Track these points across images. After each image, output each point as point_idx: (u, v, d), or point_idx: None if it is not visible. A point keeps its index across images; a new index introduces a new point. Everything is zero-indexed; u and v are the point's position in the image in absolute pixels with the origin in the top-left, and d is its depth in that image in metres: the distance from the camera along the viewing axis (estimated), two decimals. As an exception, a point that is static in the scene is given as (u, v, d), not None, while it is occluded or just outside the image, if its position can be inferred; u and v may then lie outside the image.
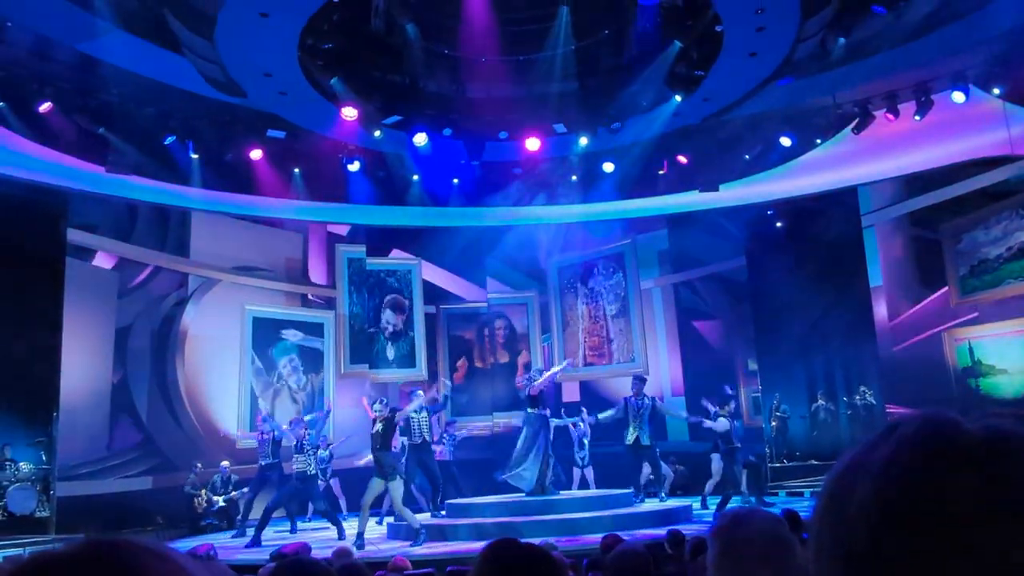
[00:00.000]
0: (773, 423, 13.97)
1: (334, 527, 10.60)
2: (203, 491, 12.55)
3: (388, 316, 15.65)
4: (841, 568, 0.65)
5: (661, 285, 16.52)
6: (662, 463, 12.63)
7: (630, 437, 11.79)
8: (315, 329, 15.17)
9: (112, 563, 0.64)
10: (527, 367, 11.58)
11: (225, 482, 12.67)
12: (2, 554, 8.98)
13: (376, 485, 9.82)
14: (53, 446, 11.28)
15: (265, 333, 14.58)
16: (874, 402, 13.49)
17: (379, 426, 9.89)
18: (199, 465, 12.83)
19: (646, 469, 12.05)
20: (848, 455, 0.69)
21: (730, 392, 11.69)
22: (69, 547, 0.66)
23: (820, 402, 14.21)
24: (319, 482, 12.76)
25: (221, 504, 12.54)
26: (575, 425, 13.01)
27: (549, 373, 11.52)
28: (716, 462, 11.34)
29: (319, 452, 13.14)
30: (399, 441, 10.97)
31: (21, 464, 10.95)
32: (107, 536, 0.68)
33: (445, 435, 13.07)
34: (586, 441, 13.06)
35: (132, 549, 0.66)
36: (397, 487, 9.82)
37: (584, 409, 13.39)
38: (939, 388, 12.91)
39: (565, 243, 16.36)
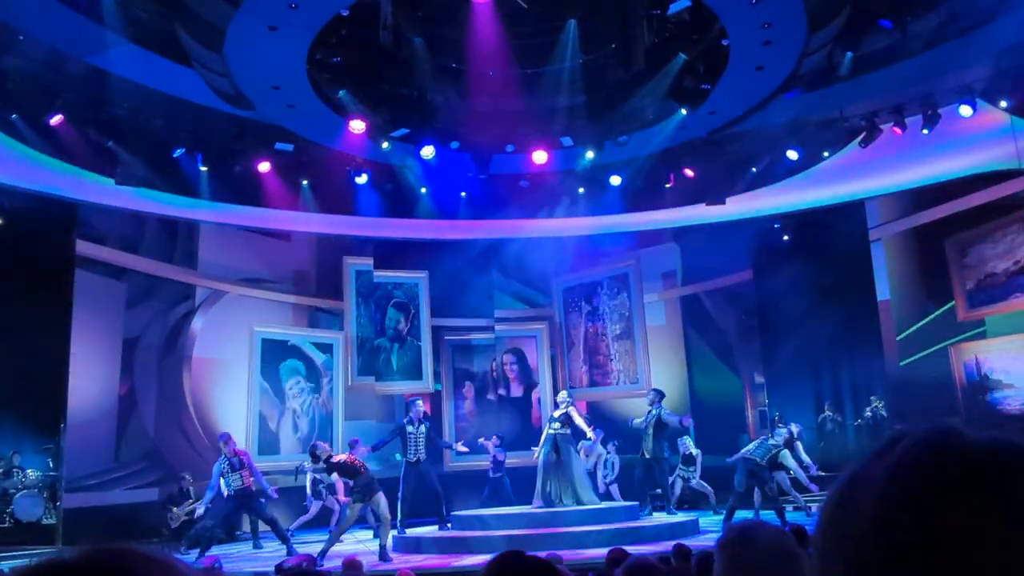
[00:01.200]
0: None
1: (283, 543, 10.40)
2: (176, 507, 12.17)
3: (392, 314, 15.67)
4: (845, 580, 0.65)
5: (667, 299, 16.49)
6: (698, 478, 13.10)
7: (645, 450, 11.96)
8: (324, 349, 15.13)
9: (117, 570, 0.65)
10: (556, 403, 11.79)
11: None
12: (8, 565, 8.99)
13: (353, 511, 9.87)
14: (60, 454, 11.31)
15: (274, 354, 14.59)
16: (885, 414, 13.44)
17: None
18: (187, 477, 12.59)
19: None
20: (851, 467, 0.70)
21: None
22: (75, 554, 0.66)
23: (827, 413, 14.14)
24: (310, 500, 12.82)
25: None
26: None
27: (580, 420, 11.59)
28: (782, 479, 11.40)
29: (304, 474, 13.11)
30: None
31: (28, 471, 11.00)
32: (109, 544, 0.68)
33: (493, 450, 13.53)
34: (612, 461, 13.52)
35: (137, 557, 0.67)
36: (381, 500, 9.82)
37: (614, 444, 13.71)
38: (946, 403, 12.85)
39: (570, 259, 16.33)
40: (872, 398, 13.74)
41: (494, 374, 16.33)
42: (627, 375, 15.41)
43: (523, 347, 16.54)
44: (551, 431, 11.09)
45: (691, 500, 13.38)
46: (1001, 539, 0.59)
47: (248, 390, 13.99)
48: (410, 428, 11.32)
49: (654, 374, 15.01)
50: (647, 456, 12.01)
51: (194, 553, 10.12)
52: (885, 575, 0.62)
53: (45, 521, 10.95)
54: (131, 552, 0.67)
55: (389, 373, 15.53)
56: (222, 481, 10.38)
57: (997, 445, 0.64)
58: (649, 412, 12.12)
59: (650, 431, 11.95)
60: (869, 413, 13.71)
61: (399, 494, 11.16)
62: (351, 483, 9.99)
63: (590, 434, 12.28)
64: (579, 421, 11.46)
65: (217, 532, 10.78)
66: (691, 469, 13.14)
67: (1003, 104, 11.79)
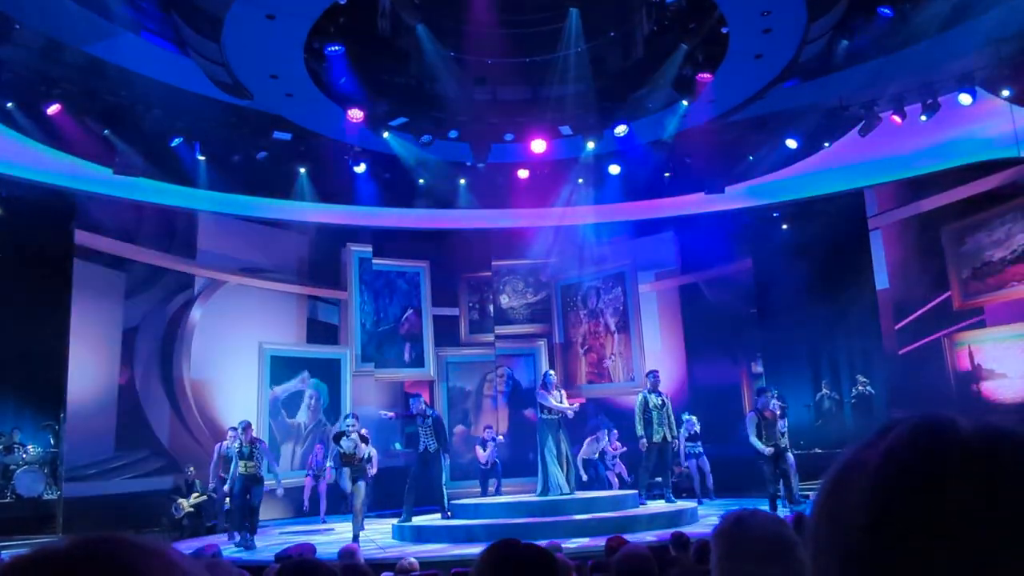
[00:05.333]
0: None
1: (250, 534, 10.50)
2: (183, 499, 12.25)
3: (400, 300, 15.71)
4: (838, 568, 0.65)
5: (666, 288, 16.49)
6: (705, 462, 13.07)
7: (657, 435, 11.79)
8: (331, 366, 15.06)
9: (106, 559, 0.64)
10: (546, 378, 11.62)
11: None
12: (7, 553, 9.01)
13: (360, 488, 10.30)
14: (61, 431, 11.42)
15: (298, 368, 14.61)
16: (872, 391, 13.44)
17: (354, 441, 10.28)
18: (191, 469, 12.65)
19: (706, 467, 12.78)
20: (845, 454, 0.70)
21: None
22: (64, 543, 0.66)
23: (824, 391, 14.13)
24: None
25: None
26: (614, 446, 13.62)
27: (559, 406, 11.42)
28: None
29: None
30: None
31: (29, 447, 11.11)
32: (102, 533, 0.68)
33: (490, 441, 13.58)
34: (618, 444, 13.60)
35: (126, 546, 0.66)
36: (360, 489, 10.31)
37: (616, 431, 13.71)
38: (941, 392, 12.87)
39: (572, 252, 16.32)
40: (858, 376, 13.74)
41: (494, 398, 16.21)
42: (624, 372, 15.47)
43: (517, 367, 16.50)
44: (553, 416, 11.04)
45: (689, 487, 13.36)
46: (993, 523, 0.59)
47: (257, 407, 13.81)
48: (418, 421, 11.42)
49: (653, 364, 15.01)
50: (669, 439, 11.90)
51: (236, 537, 10.50)
52: (879, 560, 0.62)
53: (46, 497, 11.07)
54: (122, 541, 0.67)
55: (393, 361, 15.57)
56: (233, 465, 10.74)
57: (989, 431, 0.64)
58: (660, 393, 12.04)
59: (664, 413, 11.91)
60: (864, 389, 13.70)
61: (407, 483, 11.26)
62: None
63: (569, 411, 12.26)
64: (566, 403, 11.53)
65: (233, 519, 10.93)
66: (698, 445, 13.14)
67: (1003, 92, 11.75)
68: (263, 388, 14.06)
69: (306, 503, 13.36)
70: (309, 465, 13.61)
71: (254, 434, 11.01)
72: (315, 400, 14.78)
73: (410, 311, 15.90)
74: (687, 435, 12.99)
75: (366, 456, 10.92)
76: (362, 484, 10.39)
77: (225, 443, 11.57)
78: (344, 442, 10.32)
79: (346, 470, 10.73)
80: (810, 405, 14.20)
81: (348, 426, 10.47)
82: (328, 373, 15.05)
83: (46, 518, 10.96)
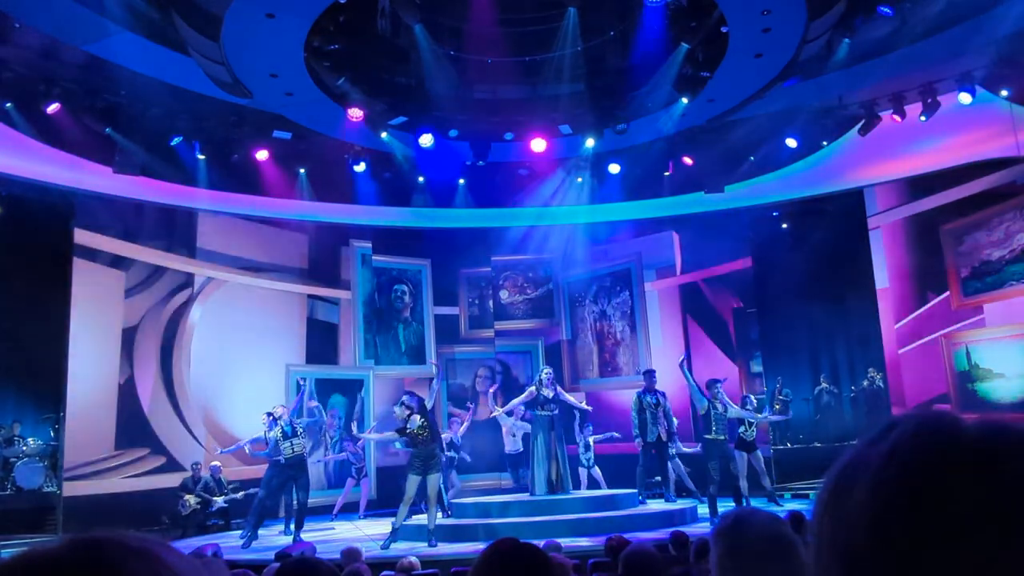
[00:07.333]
0: (776, 407, 13.84)
1: (296, 527, 10.53)
2: (190, 495, 12.25)
3: (399, 289, 15.73)
4: (841, 567, 0.65)
5: (666, 287, 16.50)
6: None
7: (651, 435, 11.79)
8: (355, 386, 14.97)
9: (99, 561, 0.64)
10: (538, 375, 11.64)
11: (218, 482, 12.65)
12: (7, 552, 9.02)
13: (413, 483, 9.47)
14: (61, 424, 11.44)
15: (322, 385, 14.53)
16: (882, 385, 13.41)
17: (418, 419, 9.55)
18: (199, 464, 12.71)
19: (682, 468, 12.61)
20: (847, 453, 0.70)
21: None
22: (57, 545, 0.65)
23: (823, 385, 14.14)
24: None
25: (222, 504, 12.47)
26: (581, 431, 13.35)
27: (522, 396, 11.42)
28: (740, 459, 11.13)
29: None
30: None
31: (30, 440, 11.16)
32: (92, 534, 0.67)
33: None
34: (591, 441, 13.29)
35: (119, 547, 0.65)
36: (437, 480, 9.73)
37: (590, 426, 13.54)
38: (940, 391, 12.88)
39: (572, 251, 16.35)
40: (869, 369, 13.72)
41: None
42: (631, 367, 15.52)
43: (516, 364, 16.51)
44: (546, 413, 11.02)
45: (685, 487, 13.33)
46: (997, 524, 0.59)
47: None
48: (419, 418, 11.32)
49: (655, 362, 15.03)
50: (664, 439, 11.86)
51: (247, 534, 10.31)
52: (881, 560, 0.62)
53: (46, 489, 11.12)
54: (116, 542, 0.66)
55: (397, 356, 15.58)
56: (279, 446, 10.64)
57: (991, 429, 0.64)
58: (655, 393, 12.05)
59: (659, 413, 11.90)
60: (869, 384, 13.68)
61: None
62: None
63: (586, 406, 12.36)
64: (571, 399, 11.59)
65: (267, 504, 10.76)
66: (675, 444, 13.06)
67: (1004, 92, 11.75)
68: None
69: (336, 509, 13.08)
70: (348, 459, 13.36)
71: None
72: (337, 419, 14.68)
73: (411, 309, 15.91)
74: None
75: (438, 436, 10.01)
76: (437, 476, 9.61)
77: (268, 433, 10.91)
78: (409, 423, 9.51)
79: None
80: (809, 399, 14.21)
81: (402, 403, 9.75)
82: (349, 391, 14.99)
83: (46, 512, 11.00)
